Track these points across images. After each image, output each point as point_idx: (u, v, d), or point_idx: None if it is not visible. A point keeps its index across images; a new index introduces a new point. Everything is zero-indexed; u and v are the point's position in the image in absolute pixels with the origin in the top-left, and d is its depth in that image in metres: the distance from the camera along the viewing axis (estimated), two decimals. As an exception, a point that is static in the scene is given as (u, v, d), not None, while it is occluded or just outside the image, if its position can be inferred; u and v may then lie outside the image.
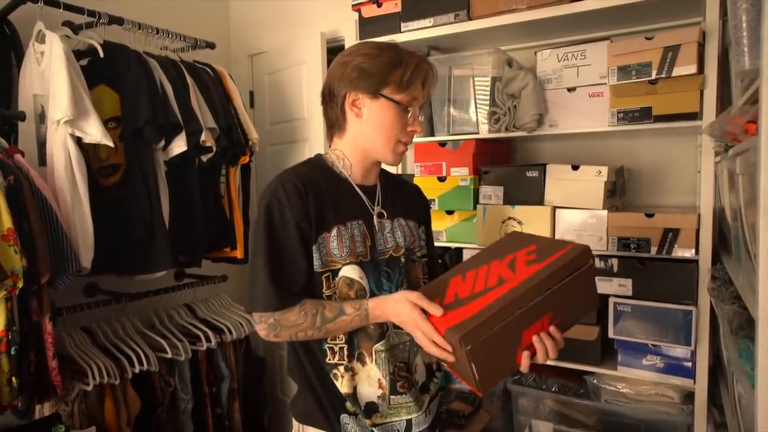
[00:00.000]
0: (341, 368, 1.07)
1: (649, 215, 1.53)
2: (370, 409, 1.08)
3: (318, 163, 1.15)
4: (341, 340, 1.07)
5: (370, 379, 1.07)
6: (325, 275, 1.06)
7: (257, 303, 1.03)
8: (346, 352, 1.07)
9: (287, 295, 1.02)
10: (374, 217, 1.12)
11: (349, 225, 1.08)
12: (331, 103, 1.11)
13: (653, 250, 1.53)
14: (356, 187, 1.13)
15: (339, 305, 1.03)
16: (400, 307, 0.99)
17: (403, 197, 1.22)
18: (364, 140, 1.10)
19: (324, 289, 1.05)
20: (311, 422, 1.11)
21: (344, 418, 1.08)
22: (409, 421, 1.10)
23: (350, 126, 1.10)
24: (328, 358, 1.08)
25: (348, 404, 1.08)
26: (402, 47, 1.10)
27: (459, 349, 0.90)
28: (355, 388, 1.08)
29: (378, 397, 1.08)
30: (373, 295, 1.08)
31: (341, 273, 1.06)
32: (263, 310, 1.03)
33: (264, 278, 1.01)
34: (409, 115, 1.09)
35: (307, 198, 1.04)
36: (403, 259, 1.14)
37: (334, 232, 1.06)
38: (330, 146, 1.17)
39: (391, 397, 1.08)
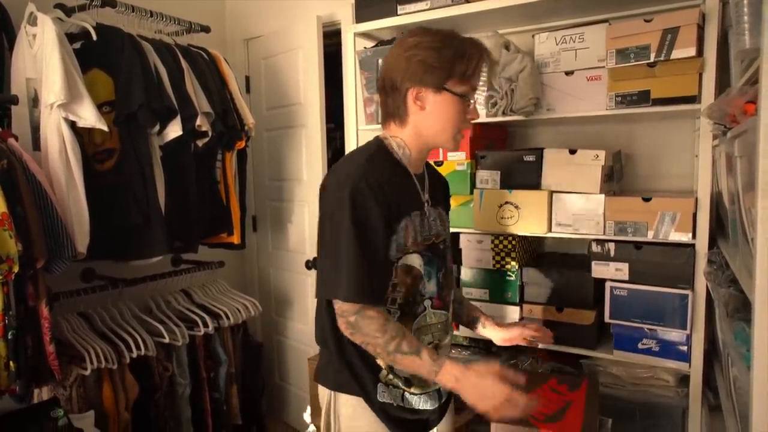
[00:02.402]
0: None
1: (646, 199, 1.53)
2: (408, 381, 1.13)
3: (384, 151, 1.13)
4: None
5: None
6: (395, 265, 1.08)
7: (339, 290, 1.01)
8: None
9: (373, 289, 1.03)
10: (424, 205, 1.15)
11: (412, 215, 1.11)
12: (392, 94, 1.10)
13: (650, 234, 1.53)
14: (414, 177, 1.15)
15: (419, 345, 1.03)
16: (485, 382, 0.97)
17: (437, 186, 1.26)
18: (427, 131, 1.12)
19: (393, 277, 1.08)
20: (345, 389, 1.13)
21: (380, 387, 1.12)
22: (438, 390, 1.18)
23: (413, 118, 1.11)
24: None
25: (383, 374, 1.11)
26: (462, 36, 1.10)
27: None
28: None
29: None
30: (421, 279, 1.12)
31: (403, 261, 1.09)
32: (344, 299, 1.02)
33: (351, 263, 0.99)
34: (470, 104, 1.12)
35: (386, 190, 1.04)
36: (441, 246, 1.19)
37: (404, 223, 1.08)
38: (385, 130, 1.17)
39: None
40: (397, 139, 1.14)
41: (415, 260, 1.11)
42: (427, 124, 1.11)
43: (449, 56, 1.05)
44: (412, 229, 1.10)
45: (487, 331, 1.36)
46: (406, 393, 1.14)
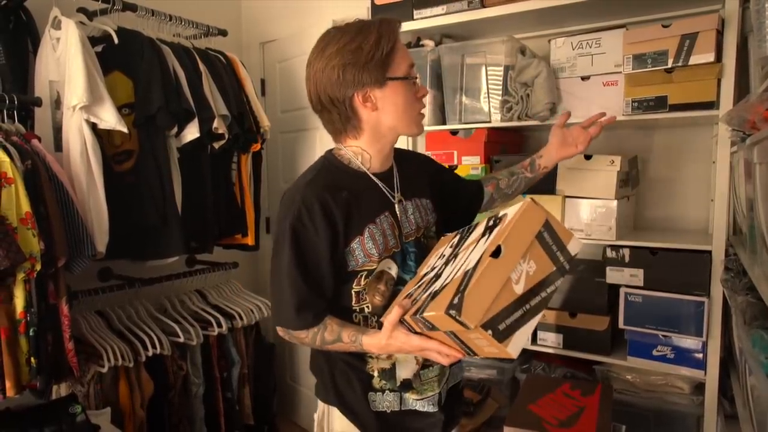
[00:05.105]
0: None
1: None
2: (406, 385, 1.10)
3: (332, 164, 1.11)
4: (375, 327, 1.07)
5: (407, 358, 1.09)
6: (361, 274, 1.06)
7: (281, 321, 1.08)
8: None
9: (309, 319, 1.05)
10: (395, 205, 1.11)
11: (378, 221, 1.07)
12: (336, 108, 1.06)
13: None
14: (375, 179, 1.10)
15: (339, 330, 1.04)
16: (397, 340, 0.97)
17: (414, 173, 1.20)
18: (385, 128, 1.08)
19: (354, 285, 1.06)
20: (336, 405, 1.13)
21: (371, 395, 1.10)
22: (440, 394, 1.14)
23: (366, 122, 1.07)
24: None
25: (375, 381, 1.10)
26: (366, 21, 1.06)
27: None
28: (393, 365, 1.09)
29: (414, 375, 1.10)
30: (402, 281, 1.08)
31: (377, 268, 1.07)
32: (285, 327, 1.08)
33: (288, 302, 1.03)
34: (415, 82, 1.08)
35: (333, 213, 1.02)
36: (423, 239, 1.14)
37: (367, 233, 1.05)
38: (339, 144, 1.14)
39: (421, 372, 1.11)
40: (352, 148, 1.10)
41: (384, 265, 1.07)
42: (384, 121, 1.07)
43: (372, 47, 1.01)
44: (380, 235, 1.06)
45: (546, 159, 1.37)
46: (404, 395, 1.10)
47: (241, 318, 2.14)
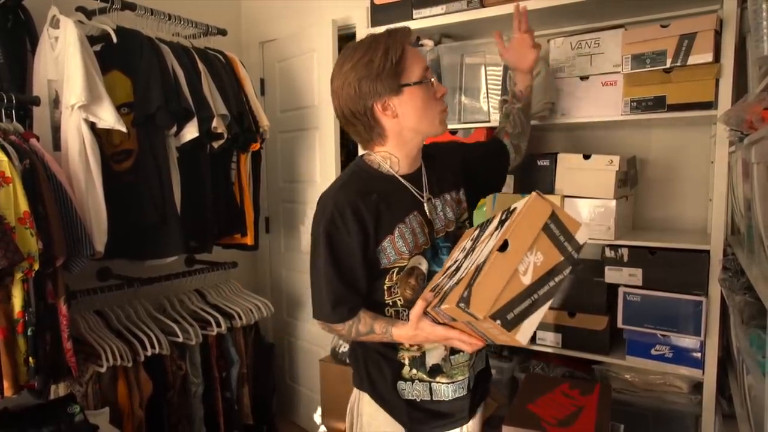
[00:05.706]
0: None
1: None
2: (435, 370, 1.17)
3: (362, 169, 1.18)
4: (406, 319, 1.13)
5: (436, 345, 1.15)
6: (392, 270, 1.12)
7: (319, 315, 1.16)
8: None
9: (344, 313, 1.13)
10: (425, 204, 1.17)
11: (407, 221, 1.13)
12: (359, 120, 1.13)
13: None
14: (404, 181, 1.17)
15: (372, 323, 1.12)
16: (423, 330, 1.04)
17: (441, 168, 1.25)
18: (409, 132, 1.14)
19: (386, 281, 1.13)
20: (367, 391, 1.20)
21: (400, 384, 1.17)
22: (468, 378, 1.21)
23: (390, 129, 1.13)
24: None
25: (405, 370, 1.16)
26: (375, 34, 1.11)
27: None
28: (423, 353, 1.16)
29: (442, 359, 1.16)
30: (433, 275, 1.14)
31: (407, 265, 1.13)
32: (323, 321, 1.16)
33: (325, 298, 1.12)
34: (432, 83, 1.13)
35: (364, 216, 1.09)
36: (458, 233, 1.21)
37: (397, 232, 1.12)
38: (368, 150, 1.20)
39: (451, 357, 1.17)
40: (381, 153, 1.17)
41: (414, 261, 1.14)
42: (406, 126, 1.13)
43: (382, 58, 1.07)
44: (410, 234, 1.12)
45: (519, 82, 1.47)
46: (433, 384, 1.16)
47: (240, 318, 2.14)
